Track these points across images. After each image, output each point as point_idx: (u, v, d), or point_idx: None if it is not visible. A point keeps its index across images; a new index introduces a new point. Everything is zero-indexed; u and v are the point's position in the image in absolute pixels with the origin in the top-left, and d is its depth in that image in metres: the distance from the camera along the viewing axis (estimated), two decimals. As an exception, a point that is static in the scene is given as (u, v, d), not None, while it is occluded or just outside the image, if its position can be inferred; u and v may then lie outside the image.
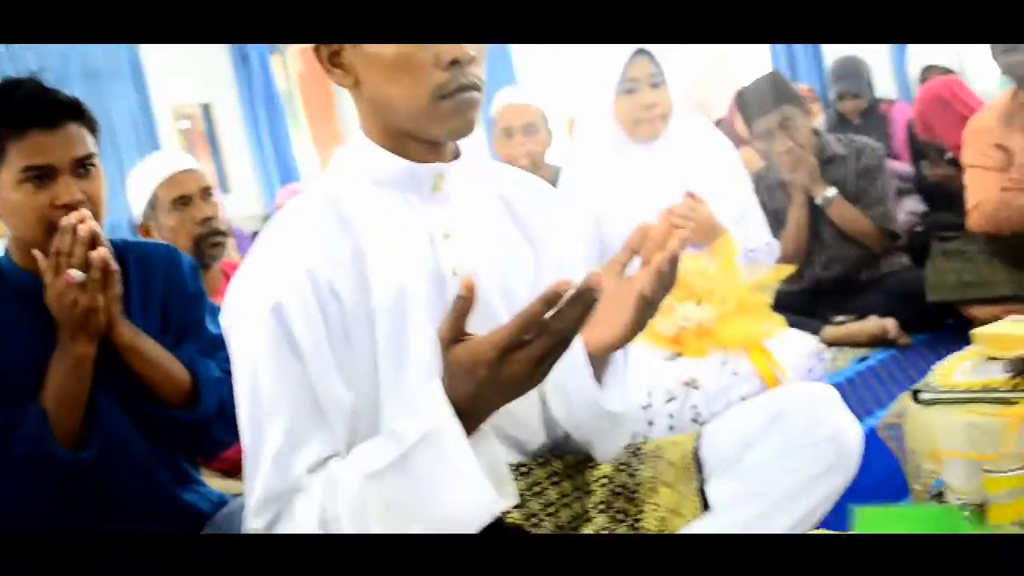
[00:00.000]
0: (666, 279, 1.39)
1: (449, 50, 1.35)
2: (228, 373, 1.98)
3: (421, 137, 1.42)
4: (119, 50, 8.36)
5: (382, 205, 1.44)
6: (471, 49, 1.36)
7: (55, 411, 1.81)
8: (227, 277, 2.89)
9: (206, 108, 9.12)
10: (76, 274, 1.78)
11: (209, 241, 2.72)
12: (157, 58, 8.49)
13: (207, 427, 1.95)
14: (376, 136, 1.45)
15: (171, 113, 8.78)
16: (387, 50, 1.35)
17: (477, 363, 1.21)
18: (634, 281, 1.44)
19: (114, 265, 1.83)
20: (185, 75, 8.73)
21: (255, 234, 5.47)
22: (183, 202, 2.72)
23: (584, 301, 1.17)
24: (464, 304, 1.20)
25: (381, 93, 1.39)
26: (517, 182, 1.61)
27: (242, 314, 1.39)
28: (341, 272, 1.38)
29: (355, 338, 1.39)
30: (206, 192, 2.75)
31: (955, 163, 4.13)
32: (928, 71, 4.81)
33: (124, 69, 8.37)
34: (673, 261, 1.37)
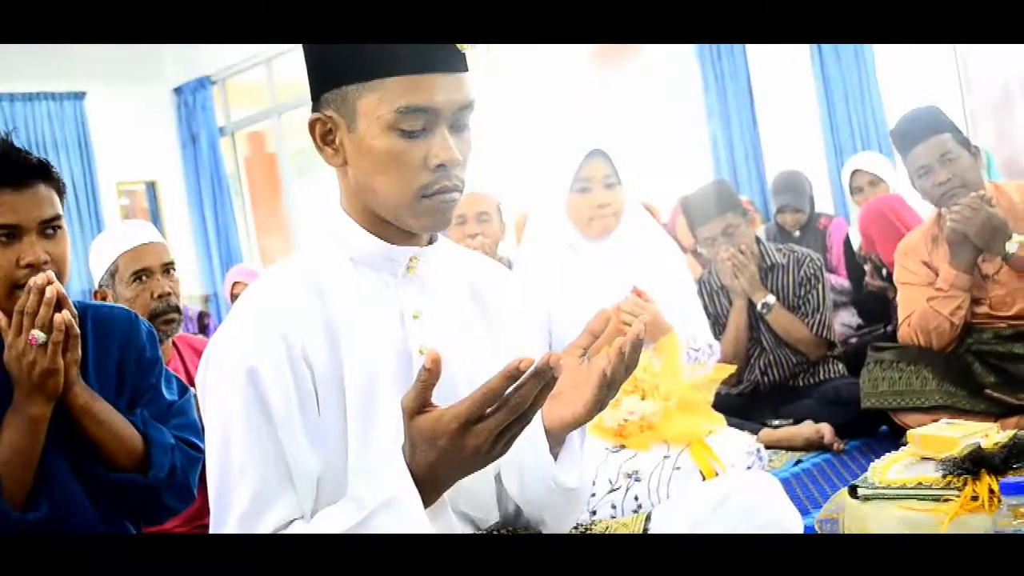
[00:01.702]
0: (628, 360, 1.44)
1: (438, 153, 1.41)
2: (182, 440, 2.00)
3: (398, 226, 1.48)
4: (69, 121, 8.38)
5: (357, 281, 1.49)
6: (459, 154, 1.42)
7: (6, 470, 1.81)
8: (178, 351, 2.89)
9: (151, 186, 9.13)
10: (39, 335, 1.79)
11: (164, 317, 2.69)
12: (106, 132, 8.52)
13: (157, 492, 1.95)
14: (355, 214, 1.50)
15: (115, 189, 8.78)
16: (379, 143, 1.40)
17: (439, 434, 1.26)
18: (595, 362, 1.50)
19: (76, 329, 1.84)
20: (133, 152, 8.76)
21: (200, 314, 5.47)
22: (143, 275, 2.71)
23: (543, 378, 1.23)
24: (429, 376, 1.25)
25: (367, 180, 1.45)
26: (484, 269, 1.67)
27: (217, 376, 1.42)
28: (315, 341, 1.42)
29: (324, 406, 1.43)
30: (167, 267, 2.75)
31: (890, 278, 4.29)
32: (855, 175, 4.97)
33: (72, 140, 8.39)
34: (636, 344, 1.43)
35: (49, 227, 1.90)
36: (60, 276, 1.89)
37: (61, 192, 1.95)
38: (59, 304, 1.83)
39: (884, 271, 4.29)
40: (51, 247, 1.89)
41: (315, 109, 1.48)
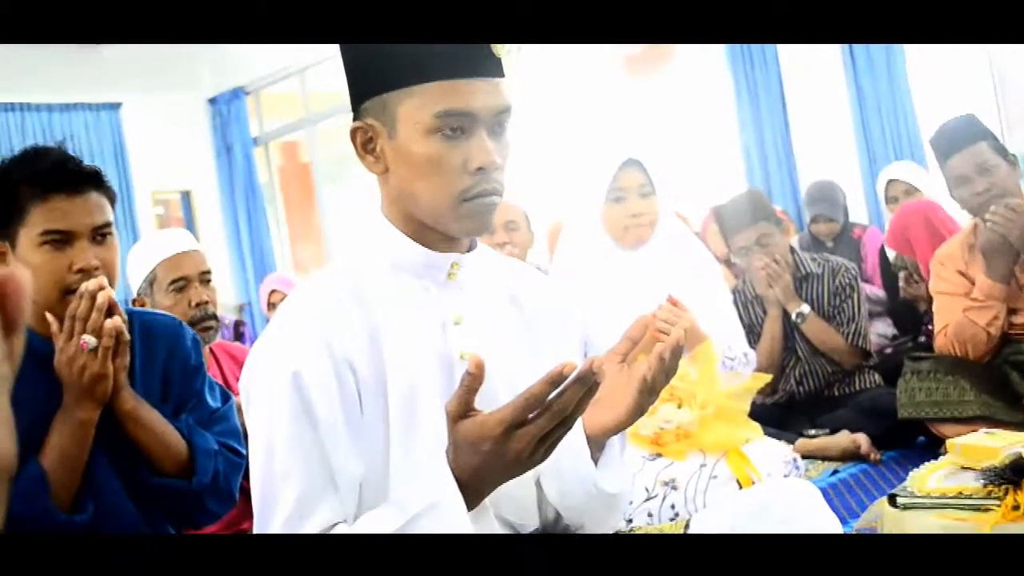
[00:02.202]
0: (668, 367, 1.45)
1: (477, 156, 1.42)
2: (224, 446, 2.02)
3: (439, 231, 1.49)
4: (105, 131, 8.47)
5: (399, 288, 1.50)
6: (497, 158, 1.44)
7: (54, 472, 1.84)
8: (216, 359, 2.92)
9: (186, 195, 9.21)
10: (90, 340, 1.82)
11: (201, 325, 2.73)
12: (141, 142, 8.61)
13: (200, 498, 1.97)
14: (397, 221, 1.51)
15: (150, 198, 8.86)
16: (419, 148, 1.42)
17: (482, 438, 1.27)
18: (635, 368, 1.51)
19: (126, 335, 1.87)
20: (168, 161, 8.84)
21: (235, 323, 5.50)
22: (181, 283, 2.74)
23: (586, 383, 1.24)
24: (473, 381, 1.27)
25: (408, 186, 1.46)
26: (523, 275, 1.68)
27: (261, 381, 1.44)
28: (358, 347, 1.44)
29: (368, 411, 1.44)
30: (205, 276, 2.78)
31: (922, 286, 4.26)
32: (891, 184, 4.95)
33: (108, 150, 8.47)
34: (676, 350, 1.44)
35: (100, 233, 1.93)
36: (110, 282, 1.93)
37: (112, 200, 1.99)
38: (110, 310, 1.86)
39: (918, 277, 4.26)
40: (102, 253, 1.92)
41: (356, 118, 1.49)
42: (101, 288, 1.84)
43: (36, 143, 1.96)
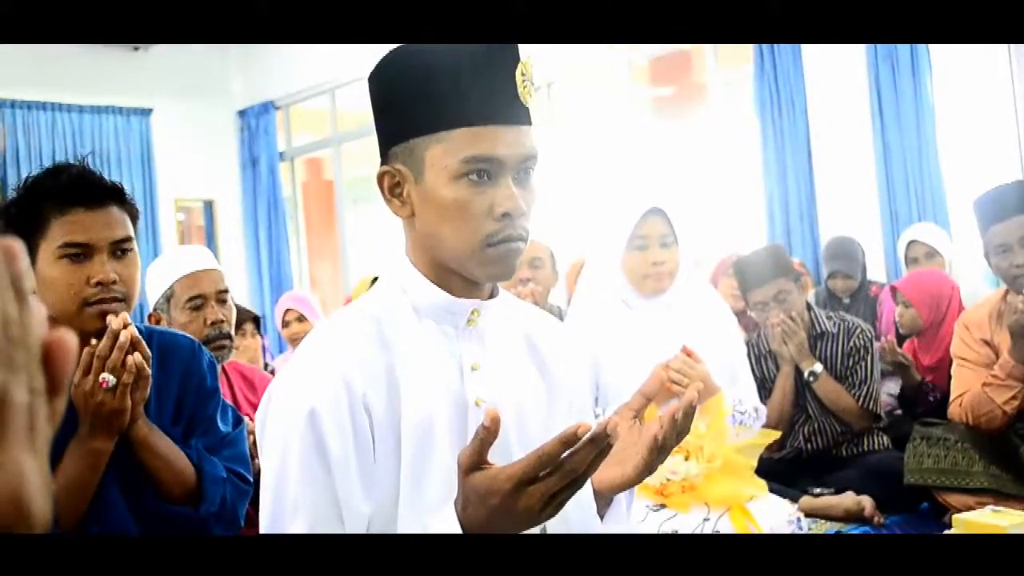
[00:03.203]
0: (680, 427, 1.46)
1: (503, 202, 1.44)
2: (232, 473, 2.03)
3: (463, 275, 1.51)
4: (134, 136, 8.54)
5: (419, 332, 1.51)
6: (523, 204, 1.45)
7: (63, 499, 1.84)
8: (227, 378, 2.93)
9: (208, 204, 9.26)
10: (109, 378, 1.82)
11: (215, 344, 2.74)
12: (169, 149, 8.68)
13: (206, 525, 1.98)
14: (421, 265, 1.53)
15: (173, 205, 8.92)
16: (446, 192, 1.44)
17: (492, 492, 1.27)
18: (647, 427, 1.52)
19: (147, 371, 1.87)
20: (193, 170, 8.91)
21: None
22: (198, 301, 2.75)
23: (599, 445, 1.24)
24: (487, 434, 1.27)
25: (433, 230, 1.48)
26: (541, 324, 1.70)
27: (277, 414, 1.45)
28: (375, 388, 1.45)
29: (380, 453, 1.45)
30: (222, 295, 2.79)
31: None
32: (912, 246, 4.95)
33: (136, 154, 8.54)
34: (689, 410, 1.45)
35: (120, 248, 1.94)
36: (130, 296, 1.94)
37: (134, 217, 2.00)
38: (134, 346, 1.86)
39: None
40: (121, 268, 1.93)
41: (383, 163, 1.51)
42: (125, 325, 1.85)
43: (65, 151, 1.98)
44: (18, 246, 0.53)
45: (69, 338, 0.55)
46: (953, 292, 4.22)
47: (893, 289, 4.48)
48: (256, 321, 3.82)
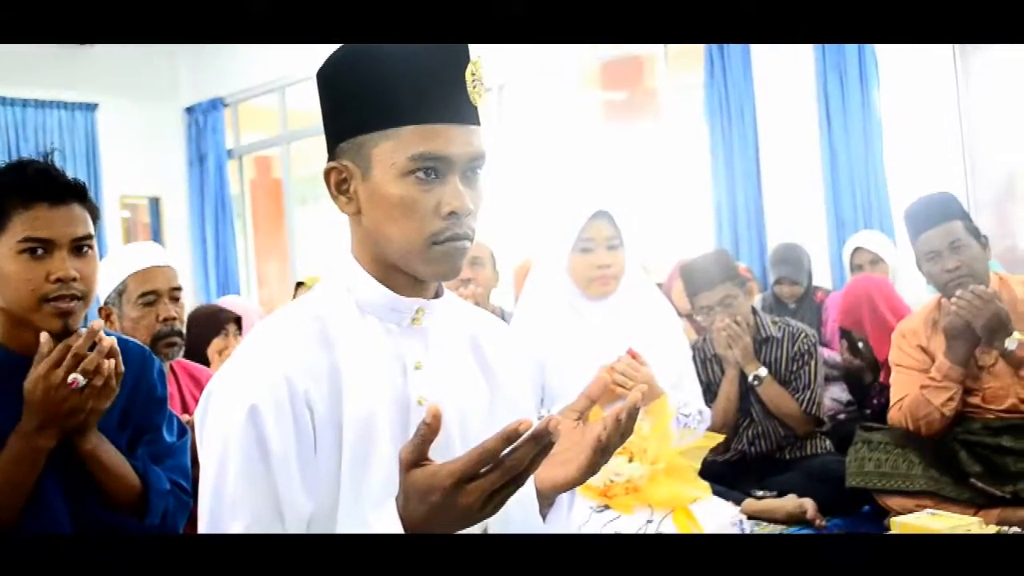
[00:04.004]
0: (624, 428, 1.47)
1: (450, 201, 1.43)
2: (175, 484, 2.02)
3: (408, 273, 1.50)
4: (79, 131, 8.43)
5: (363, 329, 1.51)
6: (470, 203, 1.45)
7: None
8: (176, 377, 2.90)
9: (155, 202, 9.16)
10: (80, 379, 1.81)
11: (167, 340, 2.72)
12: (114, 145, 8.57)
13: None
14: (366, 263, 1.52)
15: (118, 202, 8.81)
16: (393, 189, 1.43)
17: (432, 489, 1.27)
18: (590, 427, 1.52)
19: (113, 382, 1.86)
20: (139, 166, 8.80)
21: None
22: (151, 297, 2.72)
23: (541, 442, 1.24)
24: (428, 431, 1.27)
25: (379, 227, 1.47)
26: (486, 324, 1.69)
27: (217, 411, 1.44)
28: (317, 385, 1.44)
29: (321, 450, 1.44)
30: (175, 292, 2.77)
31: (867, 358, 4.32)
32: (857, 253, 5.02)
33: (80, 150, 8.42)
34: (633, 411, 1.45)
35: (80, 245, 1.94)
36: (87, 296, 1.94)
37: (95, 215, 1.99)
38: (109, 352, 1.86)
39: (862, 348, 4.33)
40: (81, 265, 1.92)
41: (331, 159, 1.50)
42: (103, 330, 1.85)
43: (7, 145, 1.96)
44: None
45: None
46: (875, 291, 4.29)
47: (843, 331, 4.56)
48: (238, 322, 3.80)
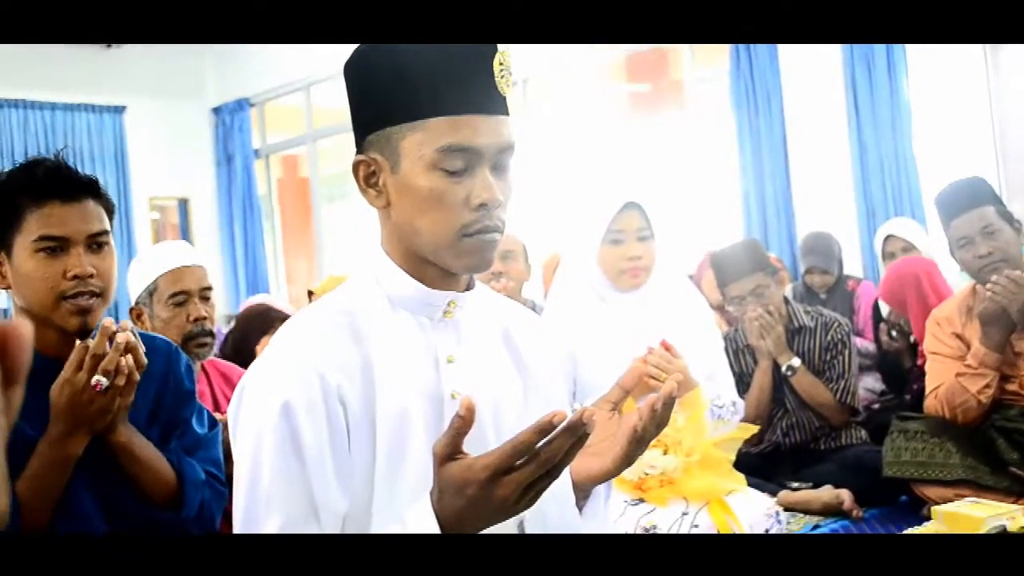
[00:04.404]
0: (659, 418, 1.45)
1: (480, 193, 1.42)
2: (210, 475, 2.01)
3: (439, 266, 1.49)
4: (108, 133, 8.48)
5: (395, 323, 1.49)
6: (499, 194, 1.44)
7: (29, 499, 1.80)
8: (207, 376, 2.90)
9: (183, 203, 9.21)
10: (103, 380, 1.80)
11: (197, 341, 2.72)
12: (143, 147, 8.62)
13: (184, 529, 1.95)
14: (396, 257, 1.51)
15: (147, 203, 8.86)
16: (422, 182, 1.42)
17: (468, 482, 1.25)
18: (625, 418, 1.50)
19: (136, 376, 1.85)
20: (167, 168, 8.85)
21: (228, 333, 5.50)
22: (181, 297, 2.72)
23: (575, 433, 1.22)
24: (462, 424, 1.25)
25: (409, 220, 1.45)
26: (518, 317, 1.68)
27: (250, 408, 1.43)
28: (350, 381, 1.43)
29: (355, 445, 1.43)
30: (205, 292, 2.76)
31: (909, 341, 4.28)
32: (888, 240, 4.97)
33: (109, 152, 8.48)
34: (668, 401, 1.44)
35: (96, 242, 1.93)
36: (106, 292, 1.92)
37: (110, 211, 1.98)
38: (128, 349, 1.84)
39: (907, 334, 4.28)
40: (97, 261, 1.91)
41: (359, 152, 1.49)
42: (123, 329, 1.84)
43: (37, 149, 1.96)
44: None
45: (24, 328, 0.53)
46: (923, 272, 4.22)
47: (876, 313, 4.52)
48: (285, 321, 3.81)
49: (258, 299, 6.00)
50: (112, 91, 8.57)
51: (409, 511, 1.33)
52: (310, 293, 4.99)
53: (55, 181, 1.89)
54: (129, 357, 1.83)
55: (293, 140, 9.20)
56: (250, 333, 3.61)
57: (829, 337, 3.79)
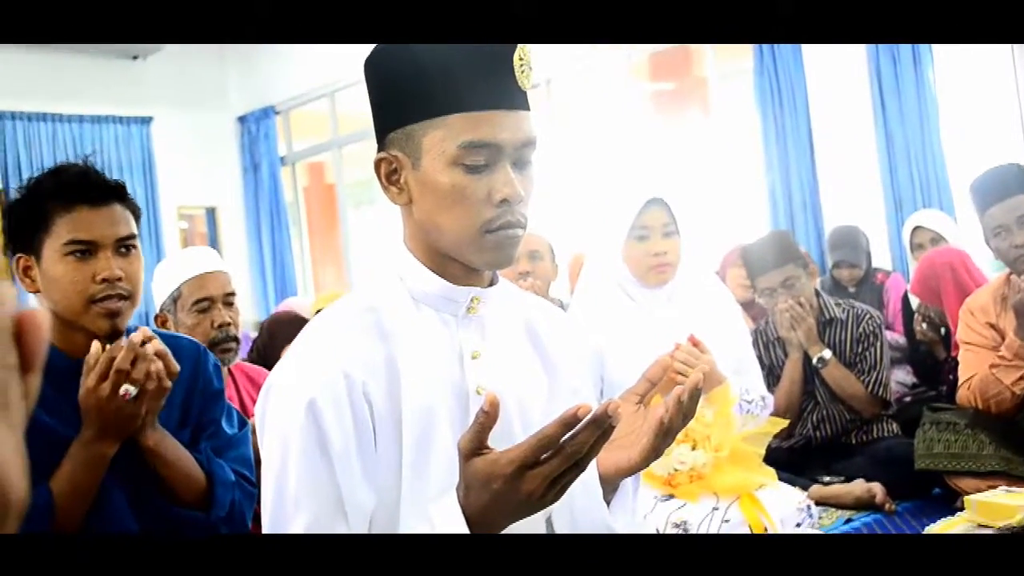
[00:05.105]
0: (686, 409, 1.44)
1: (501, 188, 1.42)
2: (240, 475, 2.02)
3: (462, 262, 1.49)
4: (135, 145, 8.55)
5: (418, 320, 1.49)
6: (521, 190, 1.43)
7: (63, 500, 1.82)
8: (234, 380, 2.92)
9: (211, 211, 9.27)
10: (131, 390, 1.81)
11: (222, 346, 2.73)
12: (170, 157, 8.69)
13: (215, 529, 1.96)
14: (419, 253, 1.51)
15: (175, 212, 8.92)
16: (444, 178, 1.42)
17: (494, 476, 1.25)
18: (652, 410, 1.50)
19: (167, 382, 1.86)
20: (195, 177, 8.91)
21: (255, 340, 5.52)
22: (205, 304, 2.74)
23: (601, 426, 1.22)
24: (487, 419, 1.25)
25: (431, 217, 1.46)
26: (542, 312, 1.68)
27: (277, 407, 1.43)
28: (375, 378, 1.43)
29: (381, 442, 1.43)
30: (229, 297, 2.78)
31: (941, 333, 4.24)
32: (917, 232, 4.93)
33: (137, 163, 8.55)
34: (695, 392, 1.43)
35: (124, 245, 1.94)
36: (134, 295, 1.94)
37: (136, 215, 2.00)
38: (157, 355, 1.86)
39: (938, 326, 4.24)
40: (125, 265, 1.93)
41: (380, 149, 1.49)
42: (149, 339, 1.85)
43: (67, 161, 1.98)
44: None
45: (41, 315, 0.54)
46: (958, 261, 4.18)
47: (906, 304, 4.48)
48: None
49: (290, 302, 6.04)
50: (139, 103, 8.64)
51: (435, 507, 1.34)
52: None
53: (83, 186, 1.91)
54: (159, 363, 1.84)
55: (319, 147, 9.24)
56: (277, 340, 3.62)
57: (861, 329, 3.77)
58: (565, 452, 1.23)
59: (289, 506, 1.39)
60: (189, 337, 2.19)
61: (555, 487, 1.26)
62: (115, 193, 1.95)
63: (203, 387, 2.06)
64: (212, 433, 2.05)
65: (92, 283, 1.89)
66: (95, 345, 1.84)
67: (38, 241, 1.91)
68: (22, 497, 0.51)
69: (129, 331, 1.91)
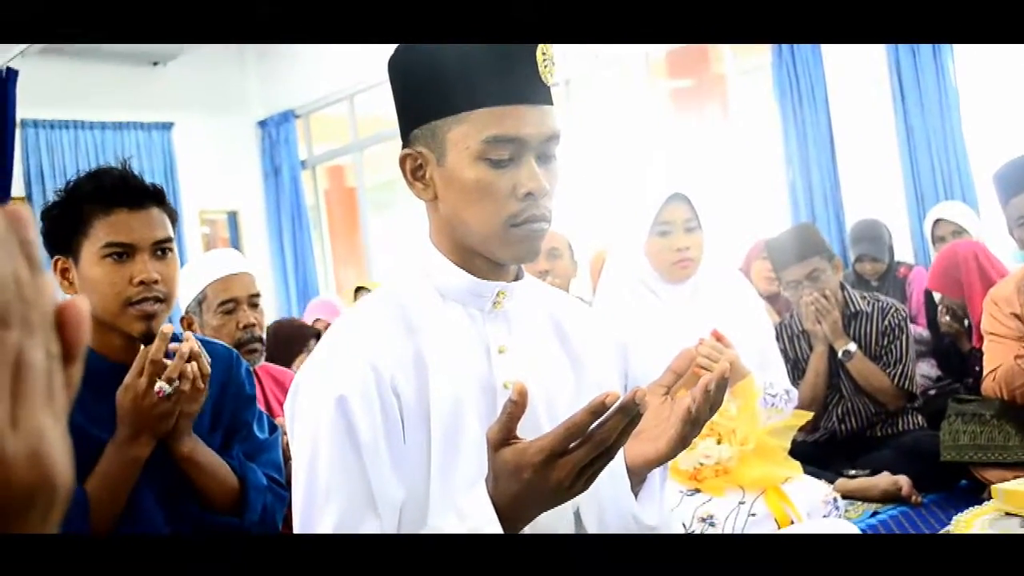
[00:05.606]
0: (713, 399, 1.45)
1: (526, 182, 1.43)
2: (271, 480, 2.04)
3: (488, 257, 1.50)
4: (156, 150, 8.60)
5: (445, 315, 1.51)
6: (546, 184, 1.44)
7: (97, 500, 1.84)
8: (260, 381, 2.94)
9: (232, 215, 9.31)
10: (166, 387, 1.83)
11: (247, 347, 2.75)
12: (191, 162, 8.73)
13: (248, 533, 1.98)
14: (444, 249, 1.52)
15: (197, 217, 8.97)
16: (468, 173, 1.43)
17: (522, 466, 1.26)
18: (679, 401, 1.51)
19: (201, 384, 1.88)
20: (216, 182, 8.95)
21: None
22: (230, 305, 2.77)
23: (628, 414, 1.22)
24: (516, 409, 1.26)
25: (457, 212, 1.47)
26: (567, 307, 1.69)
27: (306, 403, 1.45)
28: (403, 373, 1.44)
29: (410, 436, 1.44)
30: (254, 299, 2.81)
31: (963, 325, 4.22)
32: (938, 224, 4.92)
33: (159, 168, 8.59)
34: (721, 382, 1.44)
35: (161, 248, 1.96)
36: (169, 298, 1.96)
37: (173, 218, 2.02)
38: (192, 357, 1.88)
39: (961, 318, 4.22)
40: (162, 268, 1.95)
41: (405, 146, 1.50)
42: (187, 338, 1.87)
43: (89, 168, 2.00)
44: (27, 212, 0.53)
45: (82, 305, 0.54)
46: (980, 251, 4.16)
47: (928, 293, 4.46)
48: (319, 337, 3.85)
49: (320, 300, 6.07)
50: (160, 108, 8.69)
51: (465, 499, 1.35)
52: (357, 290, 5.02)
53: (122, 189, 1.94)
54: (193, 364, 1.86)
55: (339, 150, 9.26)
56: (283, 351, 3.62)
57: (886, 322, 3.76)
58: (594, 440, 1.24)
59: (320, 499, 1.40)
60: (222, 342, 2.21)
61: (584, 475, 1.27)
62: (153, 196, 1.98)
63: (235, 391, 2.08)
64: (244, 437, 2.07)
65: (129, 285, 1.90)
66: (143, 349, 1.86)
67: (76, 243, 1.93)
68: (68, 484, 0.52)
69: (176, 337, 1.93)
